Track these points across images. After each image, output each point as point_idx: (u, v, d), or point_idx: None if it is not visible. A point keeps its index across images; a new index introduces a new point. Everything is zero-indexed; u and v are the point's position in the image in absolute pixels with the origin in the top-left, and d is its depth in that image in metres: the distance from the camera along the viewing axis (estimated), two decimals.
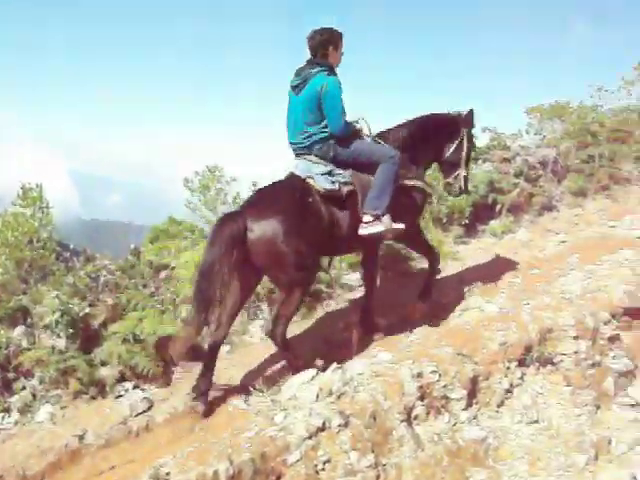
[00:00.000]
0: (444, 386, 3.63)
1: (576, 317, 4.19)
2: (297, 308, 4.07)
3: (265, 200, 3.96)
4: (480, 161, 6.96)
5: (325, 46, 4.10)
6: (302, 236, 3.78)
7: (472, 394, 3.71)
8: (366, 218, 4.07)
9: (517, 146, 7.46)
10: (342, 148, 4.12)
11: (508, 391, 3.82)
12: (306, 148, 4.14)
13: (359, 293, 5.00)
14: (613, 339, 4.23)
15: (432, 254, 4.79)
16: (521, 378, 3.91)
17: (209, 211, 6.66)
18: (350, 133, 4.18)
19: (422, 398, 3.51)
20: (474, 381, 3.74)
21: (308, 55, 4.12)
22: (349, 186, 4.09)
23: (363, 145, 4.22)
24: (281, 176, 4.23)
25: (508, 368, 3.89)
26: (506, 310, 4.38)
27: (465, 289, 5.12)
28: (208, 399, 3.86)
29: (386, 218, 4.06)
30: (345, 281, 5.39)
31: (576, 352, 4.03)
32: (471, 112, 4.70)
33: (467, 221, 6.08)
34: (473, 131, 4.85)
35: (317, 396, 3.47)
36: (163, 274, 5.28)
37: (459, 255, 5.81)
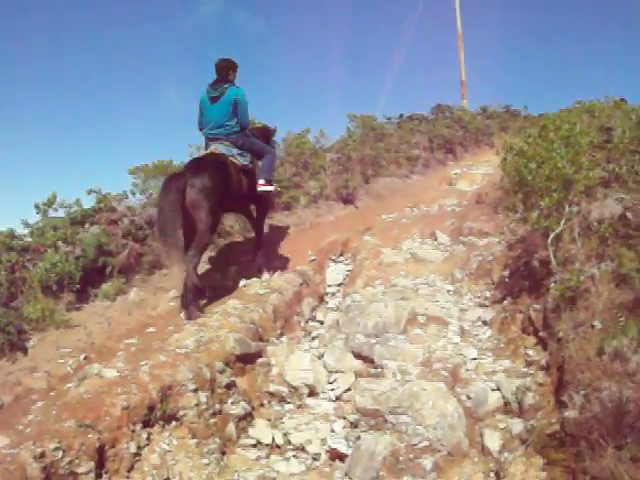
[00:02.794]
0: (70, 462, 3.37)
1: (193, 370, 4.37)
2: (205, 247, 5.81)
3: (201, 165, 5.75)
4: (87, 224, 6.68)
5: (228, 69, 6.22)
6: (222, 191, 5.66)
7: (101, 464, 3.53)
8: (261, 182, 6.28)
9: (124, 207, 7.46)
10: (246, 140, 6.29)
11: (137, 454, 3.76)
12: (224, 136, 6.11)
13: None
14: (230, 386, 4.57)
15: (261, 226, 7.06)
16: (148, 438, 3.90)
17: None
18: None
19: (48, 479, 3.16)
20: (101, 450, 3.57)
21: None
22: (252, 164, 6.33)
23: (258, 141, 6.57)
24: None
25: (134, 431, 3.83)
26: (125, 373, 4.29)
27: (82, 356, 4.85)
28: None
29: (272, 183, 6.51)
30: None
31: (197, 404, 4.20)
32: (275, 128, 7.56)
33: (78, 286, 5.77)
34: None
35: None
36: None
37: (74, 321, 5.43)
